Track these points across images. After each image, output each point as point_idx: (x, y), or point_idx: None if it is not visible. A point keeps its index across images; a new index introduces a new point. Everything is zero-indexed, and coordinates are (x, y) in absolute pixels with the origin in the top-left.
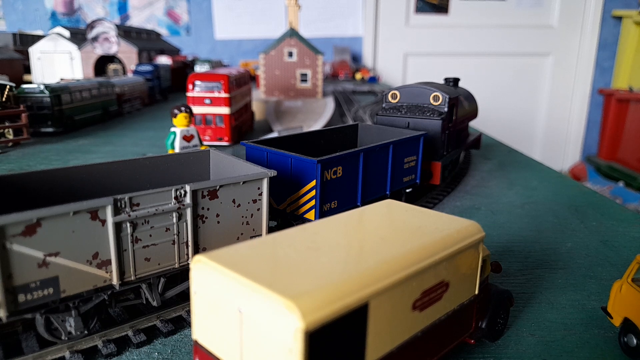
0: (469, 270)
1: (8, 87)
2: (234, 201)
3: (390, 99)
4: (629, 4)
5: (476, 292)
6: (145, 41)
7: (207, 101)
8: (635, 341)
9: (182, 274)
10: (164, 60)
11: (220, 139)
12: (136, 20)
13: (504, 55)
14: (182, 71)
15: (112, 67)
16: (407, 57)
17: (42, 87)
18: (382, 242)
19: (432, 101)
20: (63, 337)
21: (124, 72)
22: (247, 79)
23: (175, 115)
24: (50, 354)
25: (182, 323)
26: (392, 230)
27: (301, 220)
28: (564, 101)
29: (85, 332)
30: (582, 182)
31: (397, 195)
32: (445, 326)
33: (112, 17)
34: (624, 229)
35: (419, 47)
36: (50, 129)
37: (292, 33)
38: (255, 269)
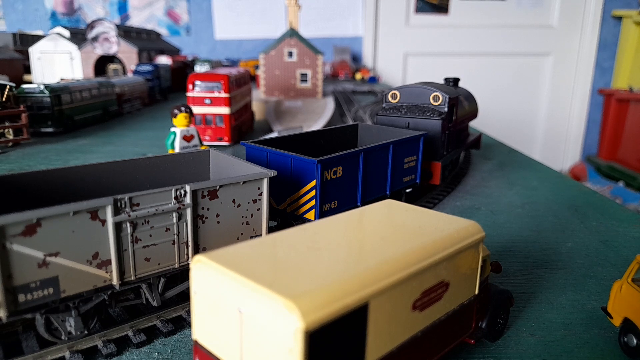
0: (469, 270)
1: (8, 87)
2: (234, 201)
3: (390, 99)
4: (629, 4)
5: (476, 292)
6: (145, 41)
7: (207, 101)
8: (635, 341)
9: (182, 274)
10: (164, 60)
11: (220, 139)
12: (136, 20)
13: (504, 55)
14: (182, 71)
15: (112, 67)
16: (407, 57)
17: (42, 87)
18: (382, 242)
19: (432, 101)
20: (63, 337)
21: (124, 72)
22: (247, 79)
23: (175, 115)
24: (50, 354)
25: (182, 323)
26: (392, 230)
27: (301, 220)
28: (564, 101)
29: (85, 332)
30: (582, 182)
31: (397, 195)
32: (445, 326)
33: (112, 17)
34: (624, 229)
35: (419, 47)
36: (50, 129)
37: (292, 33)
38: (255, 269)
